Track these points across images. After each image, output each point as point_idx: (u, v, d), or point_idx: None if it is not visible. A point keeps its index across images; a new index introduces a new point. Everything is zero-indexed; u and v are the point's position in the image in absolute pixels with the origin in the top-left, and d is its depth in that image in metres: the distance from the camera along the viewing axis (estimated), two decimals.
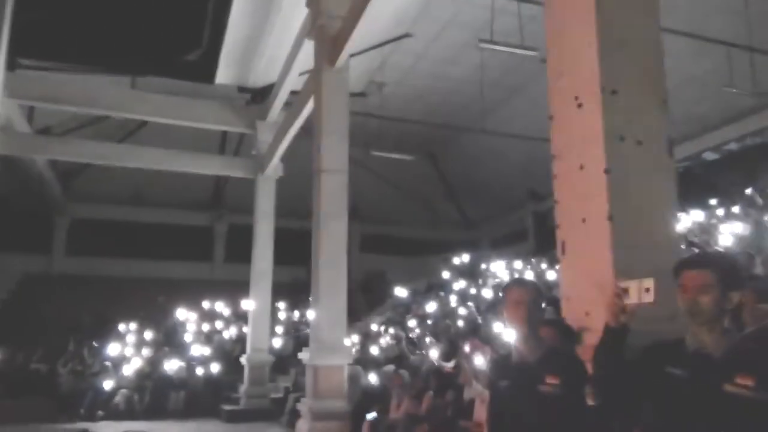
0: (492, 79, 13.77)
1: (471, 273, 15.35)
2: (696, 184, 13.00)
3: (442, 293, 14.53)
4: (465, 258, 16.90)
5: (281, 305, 15.34)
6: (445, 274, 16.11)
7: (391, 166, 18.09)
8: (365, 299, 17.38)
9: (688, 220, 9.79)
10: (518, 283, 2.67)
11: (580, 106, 3.35)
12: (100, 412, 11.35)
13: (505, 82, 14.50)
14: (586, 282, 3.16)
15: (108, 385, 12.03)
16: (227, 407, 11.54)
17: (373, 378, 8.29)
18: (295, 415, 8.58)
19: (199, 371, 12.81)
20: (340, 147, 8.19)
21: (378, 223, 20.68)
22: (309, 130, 9.42)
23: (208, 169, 14.10)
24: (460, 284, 14.32)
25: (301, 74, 10.39)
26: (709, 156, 14.09)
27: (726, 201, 10.53)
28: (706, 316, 1.88)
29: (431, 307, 13.19)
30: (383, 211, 20.43)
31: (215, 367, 13.20)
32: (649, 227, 3.23)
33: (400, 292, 15.58)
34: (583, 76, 3.36)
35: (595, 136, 3.19)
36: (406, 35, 12.71)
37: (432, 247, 20.14)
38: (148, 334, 14.22)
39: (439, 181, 20.92)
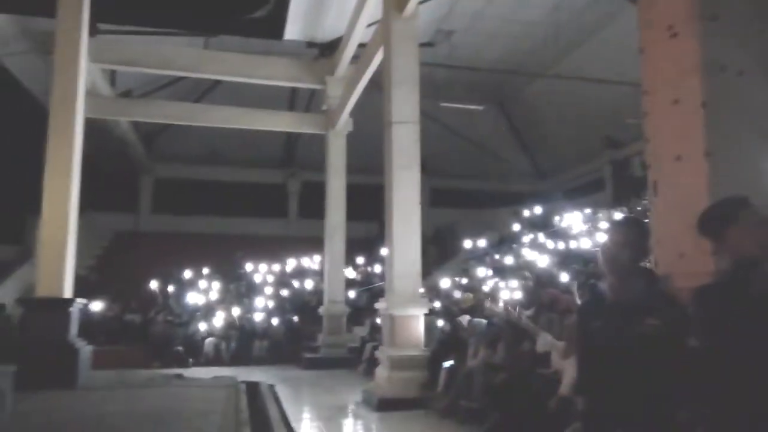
0: (565, 21, 13.11)
1: (544, 225, 15.04)
2: None
3: (514, 245, 14.36)
4: (537, 210, 16.56)
5: (356, 259, 15.66)
6: (516, 227, 15.87)
7: (460, 117, 17.76)
8: (436, 252, 17.42)
9: None
10: (622, 223, 2.57)
11: (674, 35, 3.12)
12: (190, 359, 12.15)
13: (579, 24, 13.74)
14: (681, 223, 3.01)
15: (197, 333, 12.82)
16: (307, 355, 12.04)
17: (448, 327, 8.37)
18: (373, 363, 8.84)
19: (280, 321, 13.40)
20: (411, 98, 8.09)
21: (448, 177, 20.48)
22: (378, 83, 9.35)
23: (279, 126, 14.33)
24: (532, 236, 14.08)
25: (369, 26, 10.25)
26: None
27: None
28: None
29: (508, 259, 13.09)
30: (453, 163, 20.17)
31: (295, 318, 13.75)
32: (750, 165, 3.02)
33: (472, 244, 15.51)
34: (679, 2, 3.12)
35: (691, 68, 2.98)
36: None
37: (503, 199, 19.80)
38: (231, 287, 14.95)
39: (509, 131, 20.38)
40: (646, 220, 3.43)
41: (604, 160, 17.90)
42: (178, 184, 20.15)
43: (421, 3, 9.26)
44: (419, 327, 7.73)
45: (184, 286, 14.99)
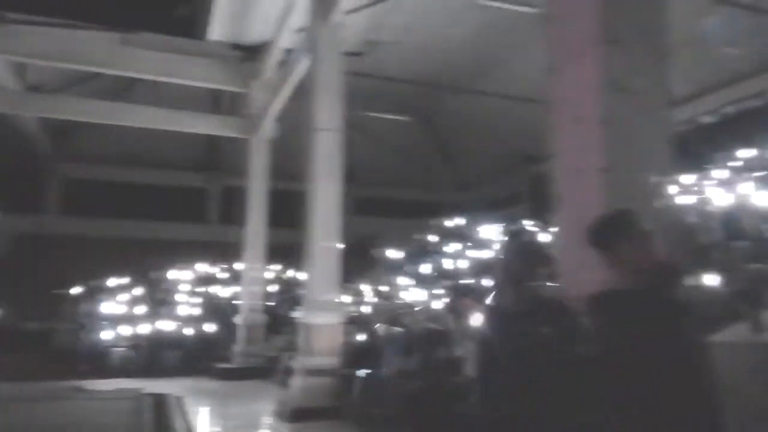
0: (490, 39, 13.54)
1: (464, 235, 15.38)
2: (692, 147, 12.93)
3: (434, 255, 14.58)
4: (458, 220, 16.92)
5: (275, 266, 15.38)
6: (438, 237, 16.14)
7: (386, 127, 17.94)
8: (357, 262, 17.42)
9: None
10: (515, 235, 2.64)
11: (580, 56, 3.28)
12: (94, 370, 11.48)
13: (503, 42, 14.23)
14: (581, 235, 3.14)
15: (103, 343, 12.15)
16: (222, 365, 11.67)
17: (365, 336, 8.37)
18: (289, 372, 8.69)
19: (193, 331, 12.93)
20: (335, 105, 8.10)
21: (372, 186, 20.61)
22: (304, 90, 9.28)
23: (200, 129, 13.93)
24: (452, 246, 14.36)
25: (295, 32, 10.18)
26: (707, 119, 13.97)
27: (719, 165, 10.48)
28: None
29: (425, 268, 13.26)
30: (377, 173, 20.32)
31: (209, 327, 13.32)
32: (643, 180, 3.20)
33: (393, 254, 15.63)
34: (584, 25, 3.28)
35: (593, 87, 3.14)
36: None
37: (426, 209, 20.11)
38: (142, 295, 14.28)
39: (434, 143, 20.78)
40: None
41: (522, 174, 18.60)
42: (91, 186, 19.10)
43: (348, 13, 9.32)
44: (336, 335, 7.70)
45: (92, 293, 14.19)
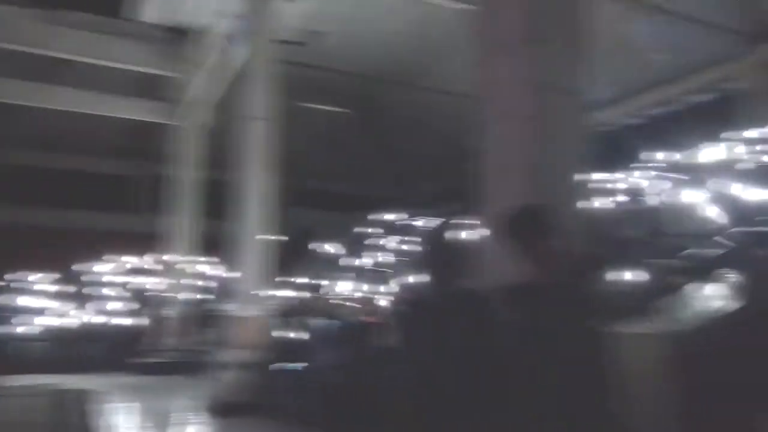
0: (431, 34, 13.60)
1: (401, 229, 15.46)
2: (617, 147, 13.47)
3: (371, 248, 14.59)
4: (395, 215, 16.99)
5: (208, 258, 14.97)
6: (375, 230, 16.16)
7: (324, 118, 17.75)
8: (294, 254, 17.22)
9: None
10: (429, 234, 2.62)
11: (506, 54, 3.32)
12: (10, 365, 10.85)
13: (444, 38, 14.34)
14: (501, 228, 3.18)
15: (20, 337, 11.50)
16: (149, 360, 11.29)
17: (296, 329, 8.28)
18: (219, 367, 8.49)
19: (121, 324, 12.44)
20: (269, 94, 7.93)
21: (309, 178, 20.39)
22: (240, 77, 9.05)
23: (129, 113, 13.35)
24: (389, 240, 14.41)
25: (233, 17, 9.89)
26: (631, 121, 14.60)
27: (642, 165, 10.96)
28: None
29: (362, 262, 13.25)
30: (315, 165, 20.09)
31: (138, 320, 12.85)
32: (568, 177, 3.28)
33: (328, 247, 15.54)
34: (511, 24, 3.33)
35: (521, 84, 3.18)
36: None
37: (363, 203, 20.08)
38: (65, 286, 13.61)
39: (374, 137, 20.75)
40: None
41: (461, 169, 18.86)
42: (6, 171, 17.97)
43: (289, 1, 9.16)
44: (267, 329, 7.58)
45: (8, 285, 13.39)
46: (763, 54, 11.65)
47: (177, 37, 12.09)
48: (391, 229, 15.77)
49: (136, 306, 13.18)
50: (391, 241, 14.15)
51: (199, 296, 12.92)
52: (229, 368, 7.31)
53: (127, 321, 12.53)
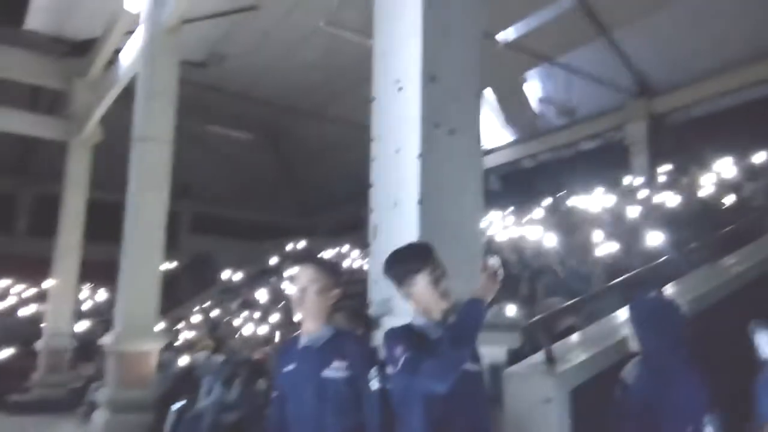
0: (339, 66, 13.69)
1: (305, 260, 15.22)
2: (513, 188, 14.18)
3: (273, 279, 14.24)
4: (300, 244, 16.77)
5: (90, 285, 13.96)
6: (277, 260, 15.84)
7: (229, 143, 17.31)
8: (191, 282, 16.46)
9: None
10: (309, 263, 2.50)
11: (400, 89, 3.32)
12: None
13: (351, 71, 14.49)
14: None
15: None
16: (15, 398, 10.21)
17: (185, 364, 7.82)
18: (94, 406, 7.81)
19: None
20: (166, 114, 7.55)
21: (211, 203, 19.71)
22: (133, 93, 8.59)
23: (12, 127, 12.28)
24: (290, 270, 14.12)
25: (127, 32, 9.44)
26: (527, 163, 15.39)
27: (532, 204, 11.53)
28: None
29: (261, 293, 12.84)
30: (218, 190, 19.49)
31: (5, 352, 11.67)
32: (456, 213, 3.29)
33: (230, 276, 15.02)
34: (406, 61, 3.34)
35: (411, 121, 3.19)
36: (252, 8, 12.11)
37: (267, 231, 19.67)
38: None
39: (279, 164, 20.48)
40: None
41: (363, 202, 18.95)
42: None
43: (193, 21, 8.88)
44: (151, 364, 7.06)
45: None
46: (640, 108, 12.74)
47: (68, 48, 11.36)
48: (293, 258, 15.48)
49: (5, 336, 11.97)
50: (292, 271, 13.87)
51: (79, 326, 11.95)
52: (107, 408, 6.72)
53: None
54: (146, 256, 7.19)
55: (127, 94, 9.61)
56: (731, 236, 4.91)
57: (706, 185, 8.72)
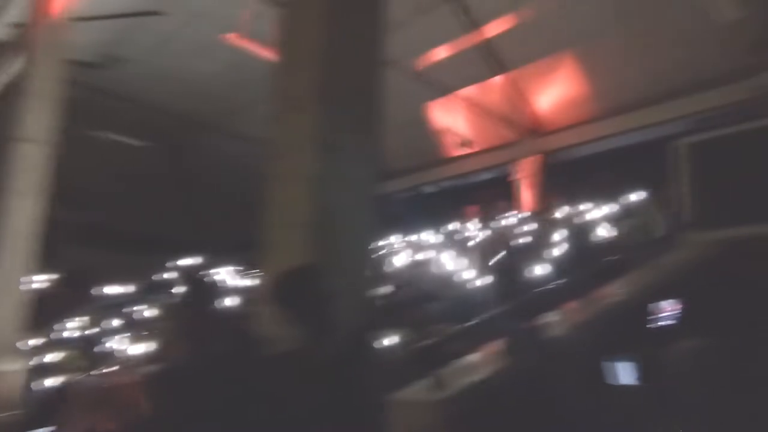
0: (242, 80, 13.44)
1: (194, 277, 14.61)
2: (415, 213, 14.48)
3: (160, 295, 13.51)
4: (190, 261, 16.07)
5: None
6: (167, 276, 15.07)
7: (123, 151, 16.39)
8: (69, 297, 15.23)
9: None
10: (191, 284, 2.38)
11: (298, 109, 3.31)
12: None
13: (258, 87, 14.27)
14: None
15: None
16: None
17: (54, 387, 7.19)
18: None
19: None
20: (48, 115, 7.04)
21: (98, 214, 18.46)
22: (13, 91, 7.93)
23: None
24: (181, 288, 13.49)
25: (10, 25, 8.74)
26: (429, 189, 15.83)
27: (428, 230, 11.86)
28: None
29: (145, 310, 12.11)
30: (107, 200, 18.32)
31: None
32: (348, 233, 3.29)
33: (112, 290, 14.05)
34: (304, 82, 3.34)
35: (306, 141, 3.18)
36: (155, 13, 11.64)
37: (158, 245, 18.69)
38: None
39: (175, 176, 19.62)
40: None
41: (257, 220, 18.58)
42: None
43: (88, 20, 8.42)
44: (15, 385, 6.45)
45: None
46: (532, 144, 13.55)
47: None
48: (183, 275, 14.78)
49: None
50: (182, 289, 13.22)
51: None
52: None
53: None
54: (12, 266, 6.61)
55: (8, 91, 8.88)
56: (605, 269, 5.29)
57: (587, 221, 9.35)
